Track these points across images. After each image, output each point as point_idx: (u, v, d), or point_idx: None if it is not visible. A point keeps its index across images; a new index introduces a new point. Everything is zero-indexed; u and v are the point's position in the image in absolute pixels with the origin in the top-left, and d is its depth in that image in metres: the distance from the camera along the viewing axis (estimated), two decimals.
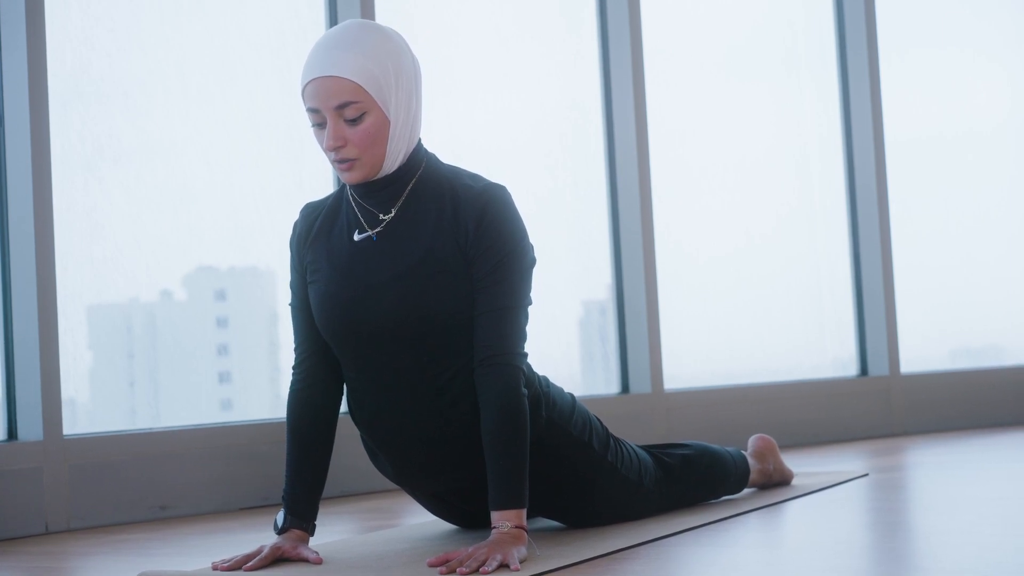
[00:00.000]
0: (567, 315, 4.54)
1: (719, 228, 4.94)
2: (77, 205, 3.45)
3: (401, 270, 2.47)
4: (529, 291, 2.52)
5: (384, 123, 2.45)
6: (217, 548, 2.78)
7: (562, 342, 4.49)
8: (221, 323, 3.77)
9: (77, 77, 3.49)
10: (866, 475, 3.60)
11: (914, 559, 2.33)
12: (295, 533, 2.50)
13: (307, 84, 2.43)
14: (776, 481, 3.29)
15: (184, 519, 3.38)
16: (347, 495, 3.69)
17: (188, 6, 3.74)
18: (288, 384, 2.59)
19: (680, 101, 4.85)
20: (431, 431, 2.53)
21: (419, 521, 3.03)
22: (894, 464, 4.00)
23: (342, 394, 2.60)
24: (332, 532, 2.93)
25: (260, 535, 2.89)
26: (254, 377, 3.82)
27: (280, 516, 2.52)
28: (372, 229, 2.51)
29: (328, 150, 2.45)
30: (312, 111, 2.44)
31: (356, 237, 2.52)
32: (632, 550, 2.48)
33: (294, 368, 2.58)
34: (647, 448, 2.90)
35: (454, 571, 2.27)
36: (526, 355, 2.50)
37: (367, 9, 3.86)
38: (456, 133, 4.27)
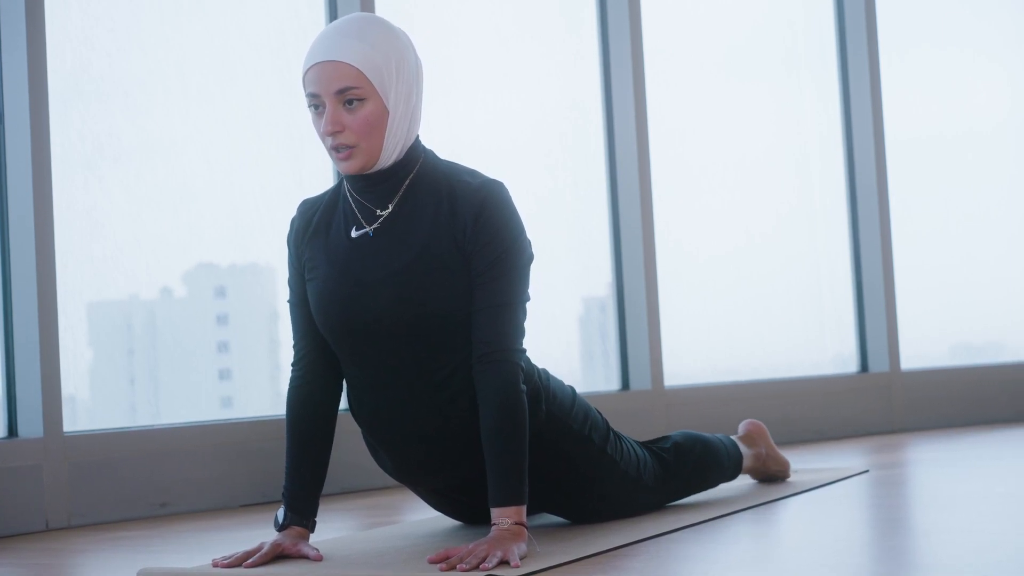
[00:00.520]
0: (567, 312, 4.54)
1: (719, 227, 4.94)
2: (77, 203, 3.45)
3: (398, 267, 2.47)
4: (527, 287, 2.52)
5: (383, 112, 2.44)
6: (217, 545, 2.78)
7: (562, 339, 4.49)
8: (221, 320, 3.77)
9: (77, 76, 3.49)
10: (866, 472, 3.60)
11: (914, 556, 2.33)
12: (295, 530, 2.50)
13: (308, 69, 2.44)
14: (773, 471, 3.28)
15: (184, 516, 3.38)
16: (347, 492, 3.69)
17: (188, 6, 3.74)
18: (287, 381, 2.60)
19: (680, 101, 4.85)
20: (430, 427, 2.53)
21: (419, 518, 3.03)
22: (894, 461, 4.00)
23: (341, 390, 2.60)
24: (332, 529, 2.93)
25: (260, 532, 2.89)
26: (254, 374, 3.82)
27: (280, 513, 2.52)
28: (369, 225, 2.51)
29: (326, 135, 2.44)
30: (312, 96, 2.44)
31: (353, 234, 2.51)
32: (632, 547, 2.48)
33: (293, 365, 2.58)
34: (640, 444, 2.90)
35: (454, 567, 2.26)
36: (524, 351, 2.50)
37: (367, 9, 3.86)
38: (456, 133, 4.27)
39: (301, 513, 2.51)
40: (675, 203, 4.75)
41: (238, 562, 2.40)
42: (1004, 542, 2.38)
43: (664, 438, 2.96)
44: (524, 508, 2.40)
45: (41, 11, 3.28)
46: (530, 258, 2.53)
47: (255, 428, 3.57)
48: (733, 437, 3.19)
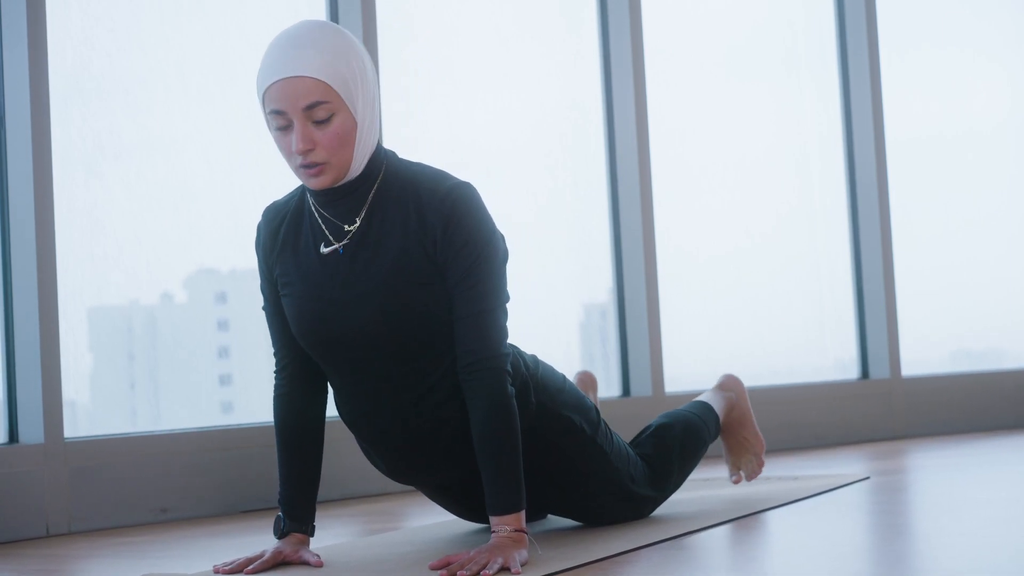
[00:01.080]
0: (568, 317, 4.53)
1: (719, 227, 4.94)
2: (78, 201, 3.45)
3: (370, 286, 2.41)
4: (505, 286, 2.46)
5: (352, 124, 2.36)
6: (218, 551, 2.78)
7: (563, 344, 4.49)
8: (222, 325, 3.77)
9: (78, 74, 3.49)
10: (867, 478, 3.60)
11: (915, 562, 2.33)
12: (296, 536, 2.50)
13: (271, 86, 2.34)
14: (743, 435, 3.18)
15: (185, 522, 3.38)
16: (348, 498, 3.69)
17: (188, 6, 3.74)
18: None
19: (680, 101, 4.85)
20: (419, 433, 2.51)
21: (420, 524, 3.03)
22: (895, 467, 4.00)
23: (326, 394, 2.57)
24: (333, 535, 2.93)
25: (261, 538, 2.89)
26: (255, 380, 3.81)
27: (279, 520, 2.51)
28: (338, 241, 2.44)
29: (297, 154, 2.35)
30: (276, 114, 2.35)
31: (323, 250, 2.45)
32: (633, 553, 2.48)
33: (276, 374, 2.55)
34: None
35: (455, 574, 2.27)
36: (509, 354, 2.46)
37: (367, 9, 3.85)
38: (456, 133, 4.27)
39: (299, 519, 2.51)
40: (675, 204, 4.75)
41: (239, 568, 2.40)
42: (1005, 547, 2.38)
43: (642, 436, 2.93)
44: (523, 514, 2.40)
45: (42, 10, 3.28)
46: (505, 256, 2.48)
47: (255, 434, 3.57)
48: (705, 394, 3.16)
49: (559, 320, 4.47)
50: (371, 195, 2.44)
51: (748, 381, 4.73)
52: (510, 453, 2.39)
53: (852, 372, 5.15)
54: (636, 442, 2.92)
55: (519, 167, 4.45)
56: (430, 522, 3.02)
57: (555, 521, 2.91)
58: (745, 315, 4.97)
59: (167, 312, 3.67)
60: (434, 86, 4.26)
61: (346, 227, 2.44)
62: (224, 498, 3.51)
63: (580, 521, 2.81)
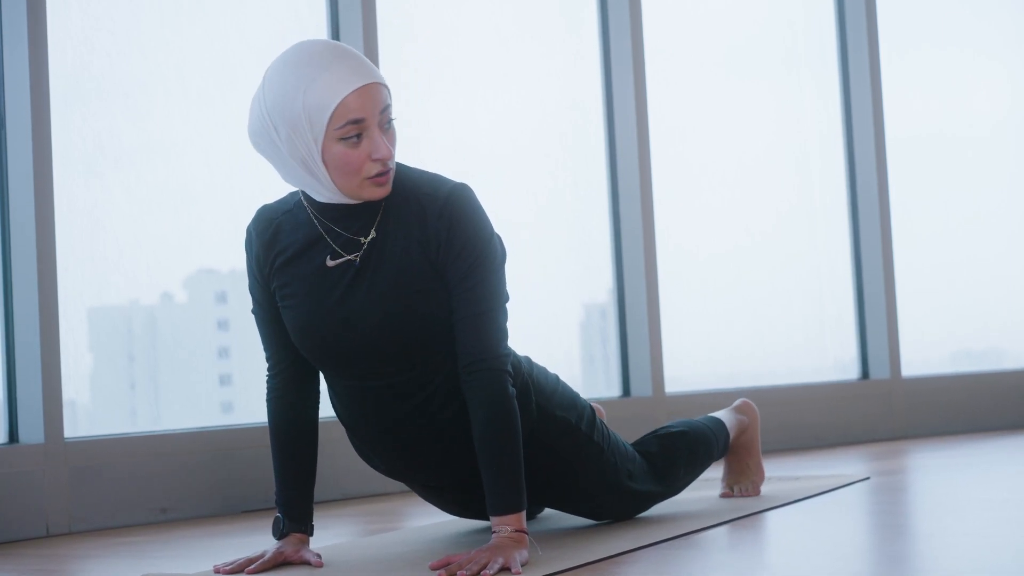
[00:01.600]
0: (568, 317, 4.53)
1: (720, 226, 4.94)
2: (78, 202, 3.45)
3: (380, 294, 2.41)
4: (504, 287, 2.47)
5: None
6: (218, 551, 2.78)
7: (563, 344, 4.49)
8: (222, 326, 3.77)
9: (78, 75, 3.49)
10: (867, 478, 3.60)
11: (915, 562, 2.33)
12: (296, 536, 2.50)
13: (348, 95, 2.32)
14: (747, 461, 3.18)
15: (185, 522, 3.38)
16: (348, 498, 3.69)
17: (188, 8, 3.74)
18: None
19: (681, 100, 4.85)
20: (420, 435, 2.51)
21: (420, 524, 3.03)
22: (895, 467, 4.00)
23: (320, 395, 2.57)
24: (333, 535, 2.93)
25: (261, 538, 2.89)
26: (254, 380, 3.80)
27: (277, 521, 2.51)
28: (347, 253, 2.43)
29: (383, 160, 2.34)
30: (354, 123, 2.33)
31: (330, 262, 2.44)
32: (634, 553, 2.48)
33: (269, 377, 2.54)
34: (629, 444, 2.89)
35: (455, 574, 2.27)
36: (509, 355, 2.46)
37: (367, 10, 3.85)
38: (456, 133, 4.27)
39: (298, 519, 2.51)
40: (675, 202, 4.75)
41: (240, 568, 2.41)
42: (1006, 547, 2.38)
43: (649, 436, 2.94)
44: (523, 515, 2.40)
45: (42, 12, 3.28)
46: (503, 256, 2.48)
47: (256, 434, 3.56)
48: (720, 412, 3.16)
49: (559, 320, 4.47)
50: (383, 205, 2.43)
51: (748, 381, 4.73)
52: (511, 454, 2.39)
53: (852, 372, 5.15)
54: (641, 440, 2.92)
55: (519, 167, 4.45)
56: (430, 522, 3.02)
57: (555, 521, 2.92)
58: (745, 314, 4.97)
59: (167, 312, 3.67)
60: (434, 86, 4.26)
61: (362, 239, 2.43)
62: (224, 498, 3.51)
63: (581, 516, 2.81)
